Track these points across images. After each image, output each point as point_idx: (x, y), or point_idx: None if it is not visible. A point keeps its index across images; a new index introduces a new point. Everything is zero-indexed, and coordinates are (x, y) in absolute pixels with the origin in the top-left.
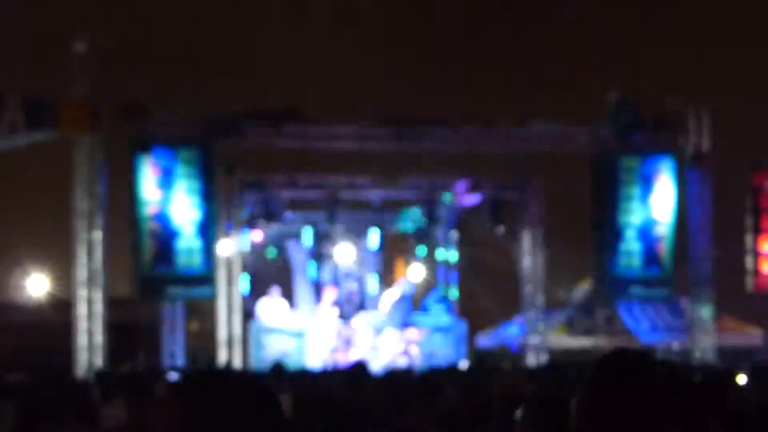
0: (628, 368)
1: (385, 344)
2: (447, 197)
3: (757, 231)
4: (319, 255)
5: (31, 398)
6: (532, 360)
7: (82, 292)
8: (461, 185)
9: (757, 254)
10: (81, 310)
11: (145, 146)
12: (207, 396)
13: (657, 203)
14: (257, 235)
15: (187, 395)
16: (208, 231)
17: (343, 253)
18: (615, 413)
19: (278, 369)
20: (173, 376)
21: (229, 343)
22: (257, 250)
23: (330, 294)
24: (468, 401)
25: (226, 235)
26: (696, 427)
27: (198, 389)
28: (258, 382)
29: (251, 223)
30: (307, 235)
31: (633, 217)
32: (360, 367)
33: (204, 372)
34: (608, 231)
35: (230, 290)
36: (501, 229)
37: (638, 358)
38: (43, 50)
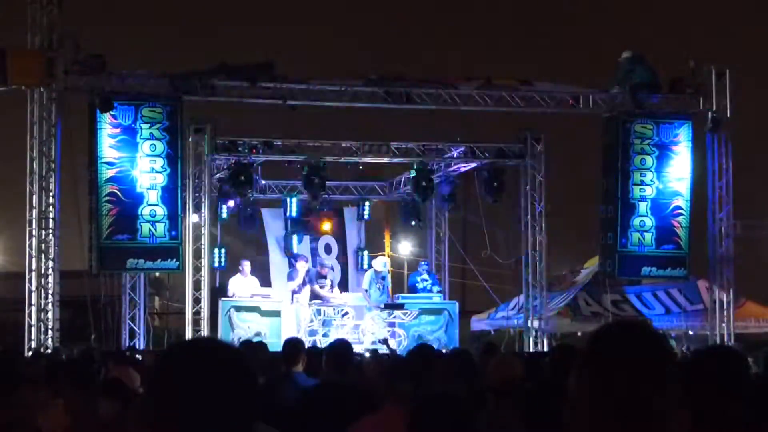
0: (621, 339)
1: (367, 326)
2: (440, 164)
3: None
4: (296, 226)
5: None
6: (531, 346)
7: (32, 264)
8: (455, 150)
9: None
10: (31, 283)
11: (104, 103)
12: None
13: (673, 174)
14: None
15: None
16: (173, 197)
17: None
18: (608, 385)
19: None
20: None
21: (196, 323)
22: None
23: (303, 267)
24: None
25: (194, 202)
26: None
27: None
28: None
29: (222, 190)
30: (284, 205)
31: (646, 189)
32: (341, 349)
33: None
34: (619, 204)
35: (198, 263)
36: (499, 200)
37: (630, 329)
38: None
